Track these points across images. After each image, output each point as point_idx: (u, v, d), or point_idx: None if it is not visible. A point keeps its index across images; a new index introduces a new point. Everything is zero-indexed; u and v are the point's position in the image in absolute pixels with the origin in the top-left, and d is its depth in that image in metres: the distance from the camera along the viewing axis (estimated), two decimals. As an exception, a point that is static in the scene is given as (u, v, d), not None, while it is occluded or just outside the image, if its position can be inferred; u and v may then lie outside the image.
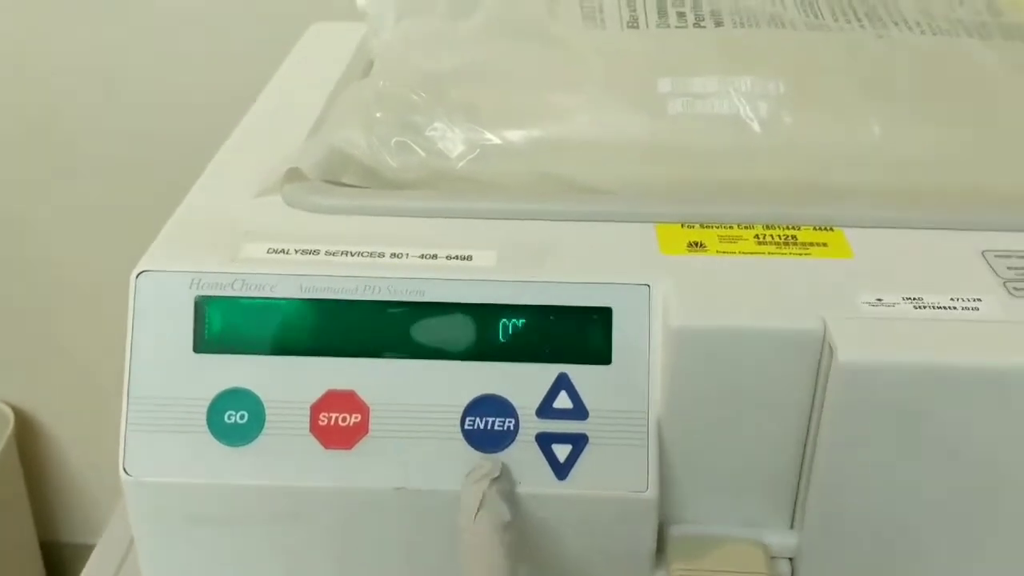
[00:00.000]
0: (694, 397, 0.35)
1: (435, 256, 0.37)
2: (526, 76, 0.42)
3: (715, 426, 0.36)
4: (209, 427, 0.36)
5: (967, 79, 0.42)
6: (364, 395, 0.36)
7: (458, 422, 0.36)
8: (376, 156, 0.40)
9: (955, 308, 0.35)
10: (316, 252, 0.37)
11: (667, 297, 0.35)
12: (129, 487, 0.36)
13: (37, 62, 0.87)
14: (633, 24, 0.43)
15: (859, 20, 0.44)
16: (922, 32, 0.44)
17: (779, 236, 0.39)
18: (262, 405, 0.36)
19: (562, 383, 0.36)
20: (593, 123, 0.40)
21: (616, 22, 0.43)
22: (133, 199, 0.92)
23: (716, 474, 0.37)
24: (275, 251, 0.37)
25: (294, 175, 0.41)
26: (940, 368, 0.33)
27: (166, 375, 0.36)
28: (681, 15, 0.43)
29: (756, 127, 0.40)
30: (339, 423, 0.36)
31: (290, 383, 0.36)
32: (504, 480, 0.35)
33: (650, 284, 0.36)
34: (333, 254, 0.37)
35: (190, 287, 0.36)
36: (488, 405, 0.36)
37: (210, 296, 0.36)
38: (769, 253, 0.38)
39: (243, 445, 0.36)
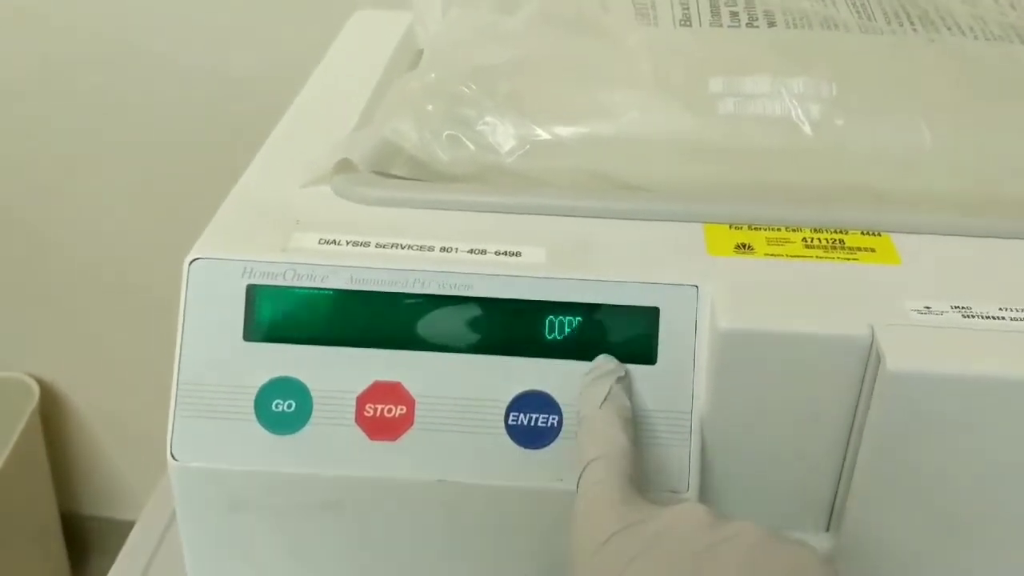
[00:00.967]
0: (738, 399, 0.35)
1: (484, 251, 0.37)
2: (577, 71, 0.42)
3: (757, 428, 0.36)
4: (256, 415, 0.36)
5: (1019, 85, 0.42)
6: (410, 387, 0.36)
7: (502, 417, 0.36)
8: (427, 149, 0.40)
9: (1004, 319, 0.35)
10: (367, 244, 0.37)
11: (715, 299, 0.35)
12: (176, 472, 0.36)
13: (90, 38, 0.87)
14: (686, 22, 0.43)
15: (911, 23, 0.44)
16: (975, 37, 0.44)
17: (827, 240, 0.39)
18: (309, 394, 0.36)
19: (607, 381, 0.36)
20: (643, 121, 0.40)
21: (668, 19, 0.43)
22: (164, 184, 0.93)
23: (754, 475, 0.37)
24: (326, 241, 0.37)
25: (344, 165, 0.41)
26: (988, 380, 0.33)
27: (215, 362, 0.36)
28: (734, 15, 0.43)
29: (807, 129, 0.40)
30: (385, 414, 0.36)
31: (337, 373, 0.36)
32: (626, 380, 0.35)
33: (698, 285, 0.36)
34: (383, 246, 0.37)
35: (242, 275, 0.36)
36: (533, 401, 0.36)
37: (261, 285, 0.36)
38: (817, 257, 0.38)
39: (290, 434, 0.36)
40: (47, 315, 1.04)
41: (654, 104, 0.40)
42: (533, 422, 0.36)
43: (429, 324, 0.36)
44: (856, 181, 0.40)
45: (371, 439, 0.36)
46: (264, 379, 0.36)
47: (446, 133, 0.41)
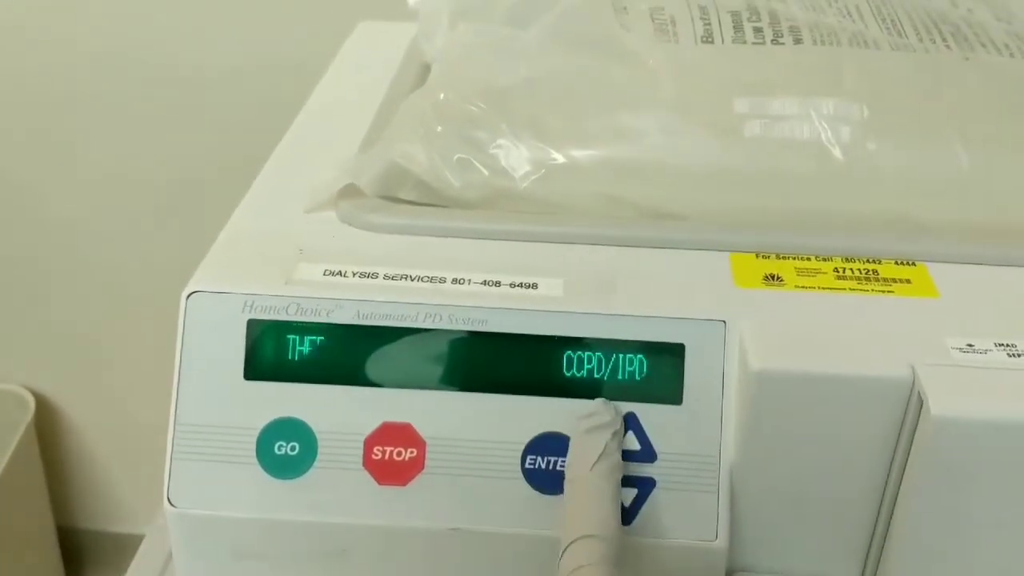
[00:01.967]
0: (769, 442, 0.33)
1: (499, 283, 0.35)
2: (594, 91, 0.40)
3: (789, 473, 0.34)
4: (258, 458, 0.34)
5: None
6: (421, 429, 0.34)
7: (519, 460, 0.34)
8: (437, 173, 0.38)
9: (1051, 357, 0.33)
10: (374, 275, 0.35)
11: (744, 336, 0.34)
12: (173, 519, 0.34)
13: (85, 61, 0.86)
14: (708, 39, 0.41)
15: (944, 40, 0.42)
16: (1011, 55, 0.42)
17: (859, 270, 0.37)
18: (314, 436, 0.34)
19: (630, 423, 0.34)
20: (665, 144, 0.38)
21: (690, 36, 0.41)
22: (163, 195, 0.91)
23: (786, 522, 0.35)
24: (331, 273, 0.35)
25: (349, 191, 0.39)
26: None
27: (215, 402, 0.34)
28: (758, 30, 0.41)
29: (837, 153, 0.38)
30: (394, 457, 0.34)
31: (344, 414, 0.34)
32: (620, 433, 0.34)
33: (726, 320, 0.34)
34: (392, 278, 0.35)
35: (242, 310, 0.34)
36: (551, 443, 0.34)
37: (263, 320, 0.34)
38: (850, 289, 0.36)
39: (293, 478, 0.34)
40: (43, 327, 1.03)
41: (676, 126, 0.38)
42: (552, 466, 0.34)
43: (441, 361, 0.34)
44: (889, 207, 0.38)
45: (379, 484, 0.34)
46: (266, 420, 0.34)
47: (457, 156, 0.39)
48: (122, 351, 1.02)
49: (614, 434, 0.33)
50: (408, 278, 0.35)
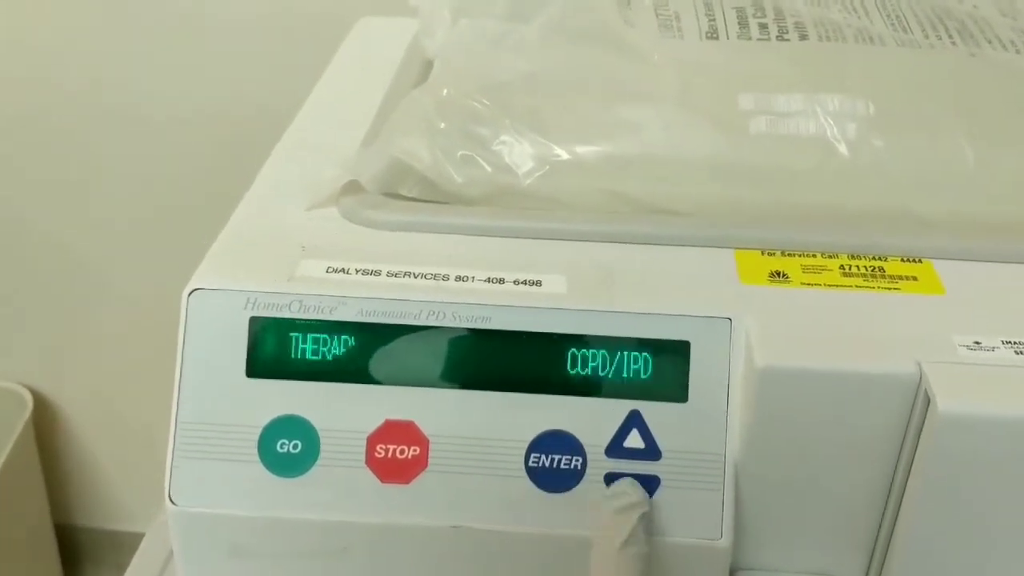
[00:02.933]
0: (775, 440, 0.33)
1: (502, 280, 0.35)
2: (598, 87, 0.40)
3: (794, 471, 0.34)
4: (260, 456, 0.34)
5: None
6: (424, 427, 0.34)
7: (522, 459, 0.34)
8: (440, 170, 0.38)
9: (1058, 354, 0.33)
10: (377, 272, 0.35)
11: (750, 333, 0.33)
12: (174, 517, 0.34)
13: (87, 60, 0.86)
14: (712, 35, 0.41)
15: (950, 37, 0.41)
16: (1016, 51, 0.41)
17: (865, 267, 0.37)
18: (316, 434, 0.34)
19: (634, 421, 0.34)
20: (670, 140, 0.38)
21: (694, 32, 0.41)
22: (162, 192, 0.91)
23: (790, 520, 0.35)
24: (334, 270, 0.35)
25: (351, 187, 0.39)
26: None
27: (216, 400, 0.34)
28: (763, 26, 0.41)
29: (843, 149, 0.38)
30: (397, 455, 0.34)
31: (346, 412, 0.34)
32: (648, 512, 0.33)
33: (731, 318, 0.34)
34: (395, 275, 0.35)
35: (244, 307, 0.34)
36: (555, 442, 0.34)
37: (265, 317, 0.34)
38: (856, 286, 0.36)
39: (296, 476, 0.34)
40: (41, 324, 1.03)
41: (681, 122, 0.38)
42: (555, 464, 0.34)
43: (444, 359, 0.34)
44: (895, 204, 0.38)
45: (382, 482, 0.34)
46: (268, 418, 0.34)
47: (460, 153, 0.38)
48: (121, 349, 1.02)
49: (642, 516, 0.33)
50: (411, 275, 0.35)
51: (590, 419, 0.34)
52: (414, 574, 0.35)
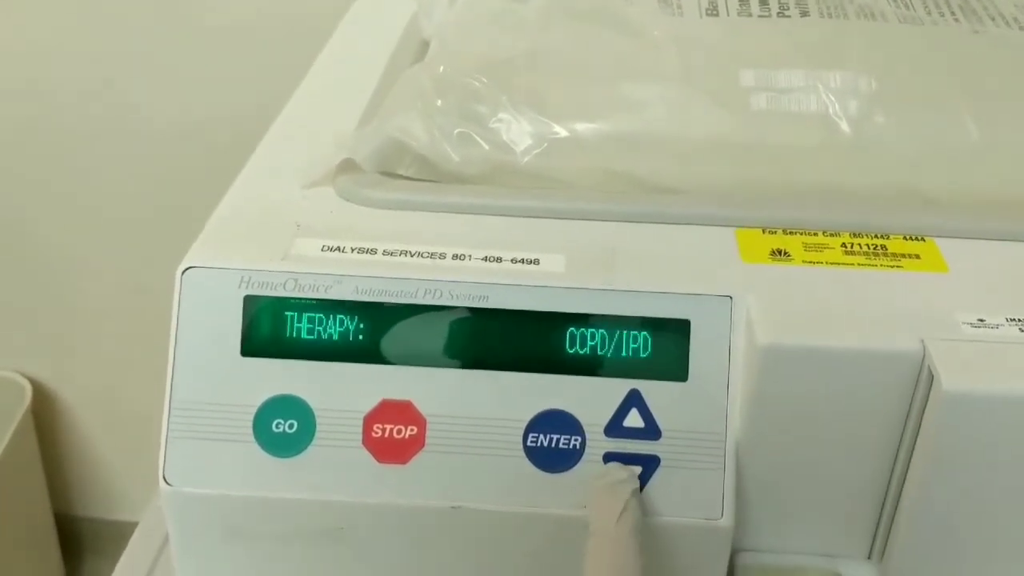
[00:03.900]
0: (776, 419, 0.33)
1: (500, 259, 0.35)
2: (597, 65, 0.39)
3: (796, 450, 0.33)
4: (255, 436, 0.34)
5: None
6: (421, 406, 0.34)
7: (520, 438, 0.33)
8: (436, 148, 0.38)
9: (1063, 332, 0.32)
10: (373, 251, 0.35)
11: (751, 311, 0.33)
12: (168, 497, 0.34)
13: (86, 63, 0.86)
14: (712, 11, 0.40)
15: (953, 14, 0.41)
16: (1020, 28, 0.41)
17: (868, 245, 0.36)
18: (312, 414, 0.34)
19: (633, 400, 0.34)
20: (669, 118, 0.38)
21: (695, 9, 0.40)
22: (159, 181, 0.90)
23: (793, 500, 0.34)
24: (329, 248, 0.35)
25: (347, 166, 0.39)
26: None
27: (211, 379, 0.34)
28: (764, 3, 0.40)
29: (845, 126, 0.37)
30: (394, 435, 0.34)
31: (343, 391, 0.34)
32: (637, 488, 0.33)
33: (732, 296, 0.33)
34: (391, 254, 0.35)
35: (239, 286, 0.34)
36: (553, 421, 0.34)
37: (260, 296, 0.34)
38: (859, 264, 0.35)
39: (291, 456, 0.34)
40: (39, 313, 1.03)
41: (681, 99, 0.38)
42: (554, 443, 0.33)
43: (441, 338, 0.34)
44: (897, 181, 0.38)
45: (379, 462, 0.33)
46: (263, 397, 0.34)
47: (457, 131, 0.38)
48: (119, 338, 1.02)
49: (633, 491, 0.33)
50: (408, 254, 0.35)
51: (589, 398, 0.33)
52: (411, 555, 0.35)
